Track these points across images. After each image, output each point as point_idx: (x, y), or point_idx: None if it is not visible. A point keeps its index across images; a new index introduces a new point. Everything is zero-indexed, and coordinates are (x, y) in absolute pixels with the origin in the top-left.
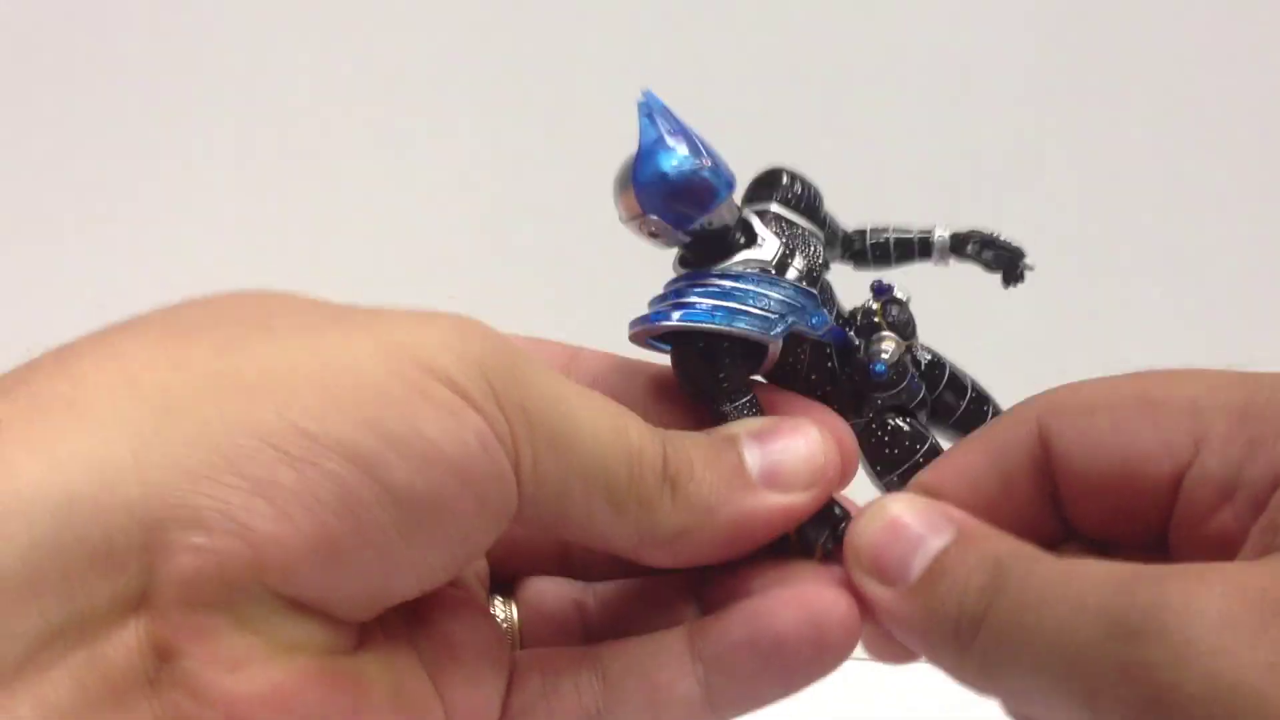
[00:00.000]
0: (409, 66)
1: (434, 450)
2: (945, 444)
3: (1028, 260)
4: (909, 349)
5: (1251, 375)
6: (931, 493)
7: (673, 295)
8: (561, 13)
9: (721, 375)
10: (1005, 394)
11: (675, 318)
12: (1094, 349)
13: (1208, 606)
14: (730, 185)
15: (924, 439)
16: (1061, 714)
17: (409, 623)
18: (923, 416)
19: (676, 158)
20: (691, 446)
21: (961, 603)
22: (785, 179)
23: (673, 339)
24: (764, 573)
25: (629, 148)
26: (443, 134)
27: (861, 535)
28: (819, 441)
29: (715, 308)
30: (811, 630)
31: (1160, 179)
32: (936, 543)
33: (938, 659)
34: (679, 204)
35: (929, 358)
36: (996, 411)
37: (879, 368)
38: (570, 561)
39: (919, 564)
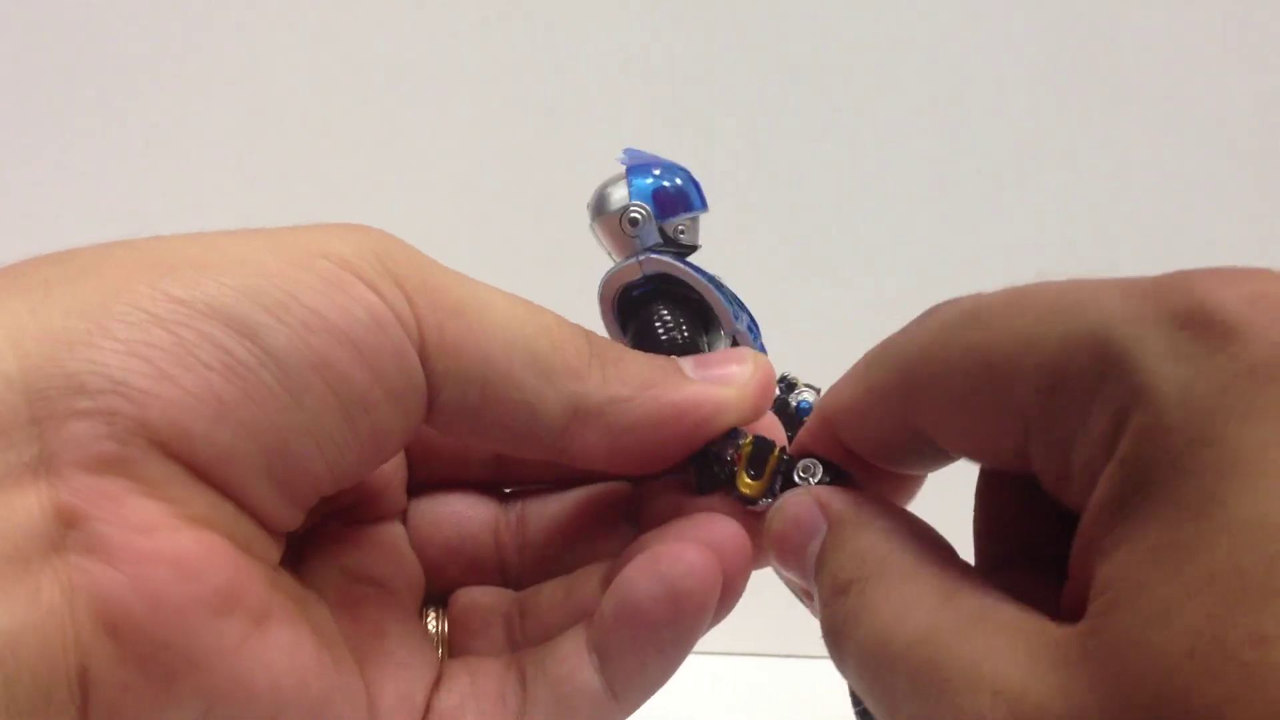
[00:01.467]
0: (408, 65)
1: (316, 318)
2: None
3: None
4: None
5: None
6: (827, 415)
7: (670, 255)
8: (561, 12)
9: (687, 335)
10: None
11: (678, 262)
12: None
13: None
14: (705, 205)
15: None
16: None
17: (341, 611)
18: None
19: (672, 168)
20: (618, 345)
21: (827, 598)
22: None
23: (633, 301)
24: (664, 532)
25: (628, 146)
26: (441, 133)
27: (769, 530)
28: (747, 354)
29: (705, 274)
30: (666, 596)
31: (1160, 179)
32: (816, 541)
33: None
34: (669, 197)
35: None
36: None
37: (804, 405)
38: (503, 473)
39: (810, 560)
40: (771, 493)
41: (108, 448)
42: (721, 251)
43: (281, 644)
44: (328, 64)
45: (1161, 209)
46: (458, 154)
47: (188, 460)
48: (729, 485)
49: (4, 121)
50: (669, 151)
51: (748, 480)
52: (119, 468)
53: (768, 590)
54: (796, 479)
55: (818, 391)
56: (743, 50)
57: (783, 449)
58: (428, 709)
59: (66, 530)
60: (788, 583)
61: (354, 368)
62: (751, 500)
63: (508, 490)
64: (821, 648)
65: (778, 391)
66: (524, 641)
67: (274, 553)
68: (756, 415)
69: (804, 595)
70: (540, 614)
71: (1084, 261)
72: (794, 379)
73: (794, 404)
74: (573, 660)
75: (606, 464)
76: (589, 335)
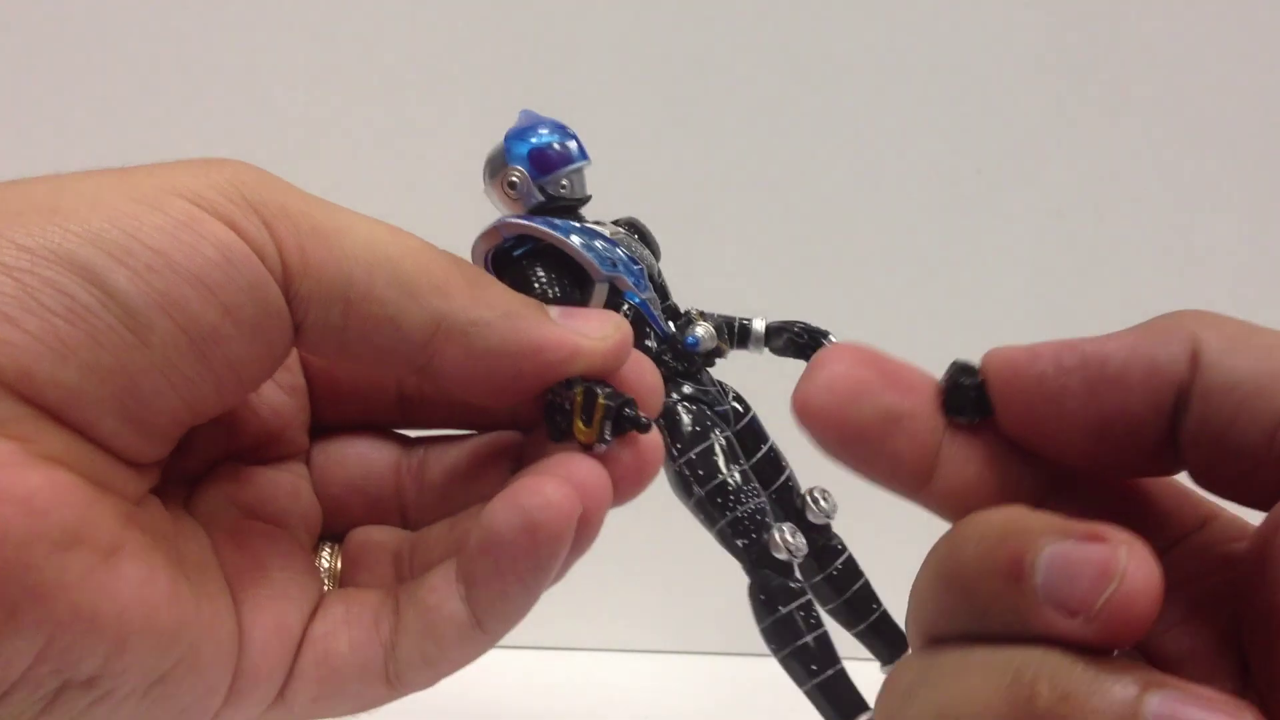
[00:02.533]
0: (407, 63)
1: (159, 259)
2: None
3: (830, 337)
4: (716, 351)
5: None
6: (1094, 359)
7: (532, 218)
8: (561, 11)
9: (558, 294)
10: None
11: (531, 221)
12: None
13: None
14: (585, 157)
15: (700, 441)
16: None
17: (229, 545)
18: (716, 428)
19: (547, 126)
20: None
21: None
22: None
23: (512, 261)
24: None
25: (628, 147)
26: (441, 132)
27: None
28: (612, 316)
29: (571, 231)
30: (524, 527)
31: (1160, 179)
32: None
33: None
34: (544, 156)
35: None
36: (791, 476)
37: (691, 340)
38: (407, 417)
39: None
40: (603, 438)
41: None
42: (722, 250)
43: (130, 577)
44: (327, 63)
45: (1161, 209)
46: (457, 153)
47: (36, 401)
48: (569, 432)
49: (4, 122)
50: (669, 151)
51: (581, 426)
52: None
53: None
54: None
55: (713, 325)
56: (743, 50)
57: (608, 393)
58: (304, 637)
59: None
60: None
61: (203, 306)
62: (588, 446)
63: (412, 437)
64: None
65: (675, 329)
66: (409, 576)
67: (137, 486)
68: (606, 371)
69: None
70: (425, 551)
71: (1084, 261)
72: (696, 314)
73: (683, 340)
74: (441, 590)
75: (461, 386)
76: (457, 259)
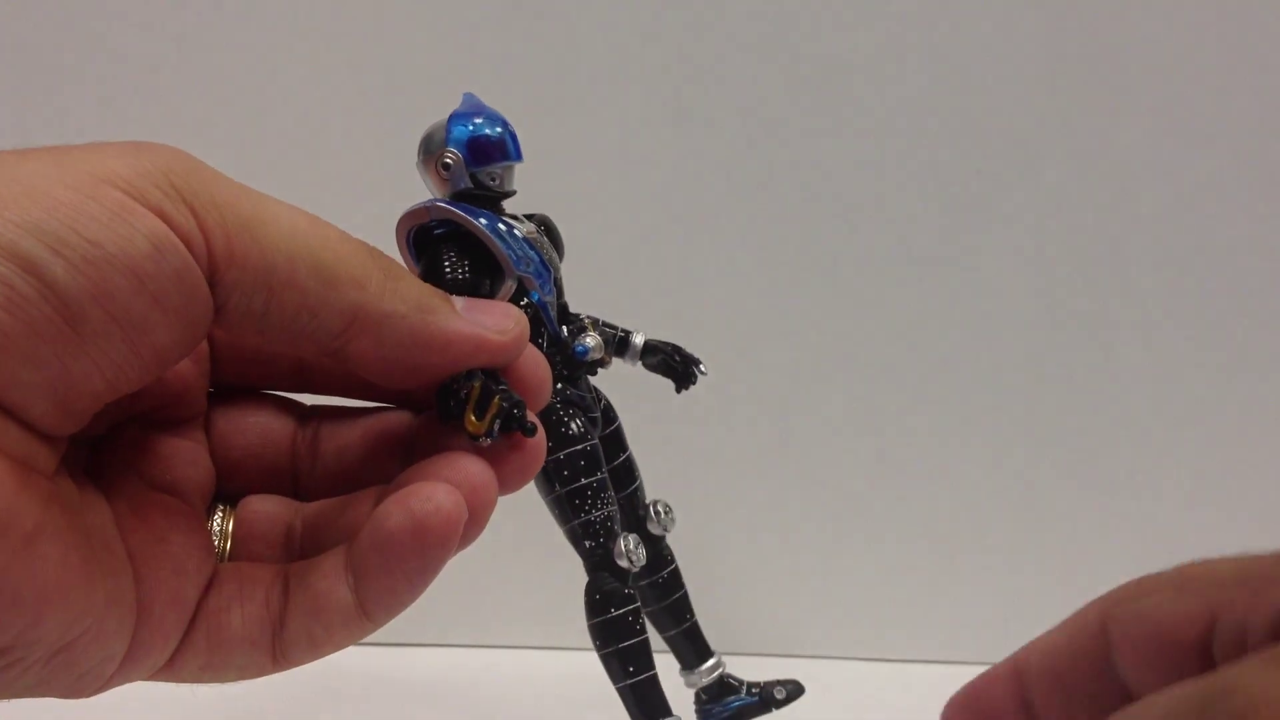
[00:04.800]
0: (406, 61)
1: (96, 250)
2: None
3: (701, 367)
4: (600, 361)
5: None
6: (1021, 667)
7: (460, 206)
8: (560, 10)
9: (467, 276)
10: (1013, 388)
11: (458, 210)
12: (1094, 347)
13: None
14: (519, 156)
15: (571, 444)
16: None
17: (129, 515)
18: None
19: (490, 118)
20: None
21: None
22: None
23: (433, 239)
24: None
25: (628, 146)
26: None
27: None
28: (513, 311)
29: (490, 225)
30: (414, 530)
31: (1160, 179)
32: None
33: None
34: (482, 146)
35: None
36: (640, 487)
37: (580, 349)
38: (304, 382)
39: None
40: (490, 434)
41: None
42: (721, 251)
43: (50, 557)
44: (327, 63)
45: (1161, 209)
46: None
47: None
48: (459, 421)
49: (4, 121)
50: (669, 150)
51: (473, 419)
52: None
53: (765, 590)
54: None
55: (603, 332)
56: (743, 49)
57: (504, 394)
58: (198, 609)
59: None
60: None
61: (133, 296)
62: (475, 438)
63: (309, 406)
64: (820, 648)
65: (568, 335)
66: (299, 554)
67: (52, 460)
68: (506, 363)
69: None
70: (317, 529)
71: (1084, 261)
72: (588, 321)
73: (573, 347)
74: (331, 578)
75: (369, 370)
76: (372, 250)
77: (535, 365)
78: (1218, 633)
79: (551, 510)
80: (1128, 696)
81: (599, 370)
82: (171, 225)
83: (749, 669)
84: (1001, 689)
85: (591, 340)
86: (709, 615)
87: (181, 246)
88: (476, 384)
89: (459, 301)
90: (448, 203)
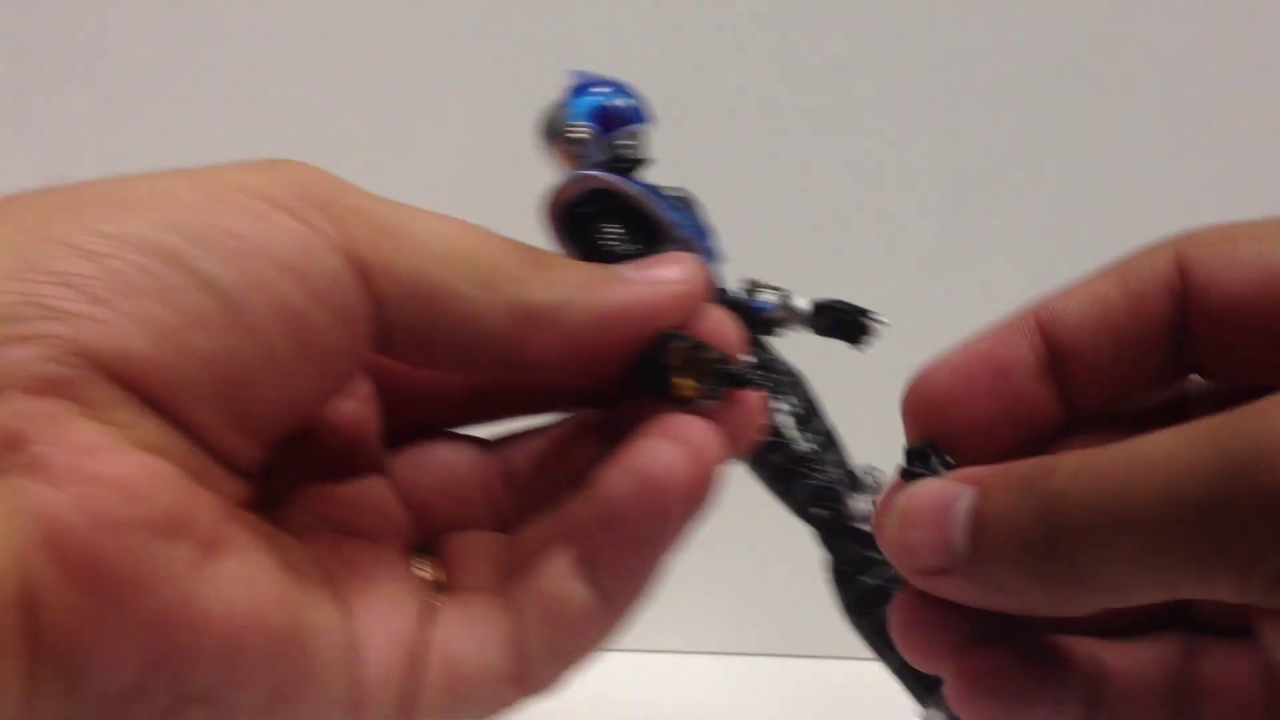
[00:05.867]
0: (405, 61)
1: (242, 242)
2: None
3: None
4: (778, 319)
5: None
6: (1057, 317)
7: (619, 174)
8: (560, 10)
9: (638, 246)
10: None
11: (607, 176)
12: None
13: None
14: (650, 119)
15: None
16: (1166, 586)
17: (328, 558)
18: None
19: (611, 85)
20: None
21: (1022, 536)
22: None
23: (579, 220)
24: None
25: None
26: (439, 130)
27: (891, 539)
28: (683, 257)
29: (644, 186)
30: (640, 489)
31: (1160, 179)
32: (962, 506)
33: (1015, 601)
34: (609, 114)
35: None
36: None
37: (761, 304)
38: (480, 412)
39: (959, 536)
40: (709, 394)
41: (49, 370)
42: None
43: (235, 574)
44: (327, 62)
45: (1161, 209)
46: (456, 152)
47: (134, 385)
48: (668, 390)
49: (3, 121)
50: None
51: (684, 382)
52: (61, 389)
53: (772, 591)
54: (919, 469)
55: (781, 293)
56: (743, 49)
57: (707, 349)
58: (421, 644)
59: (7, 452)
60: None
61: (290, 288)
62: (690, 401)
63: (489, 440)
64: (821, 648)
65: (743, 294)
66: (516, 575)
67: (235, 490)
68: (692, 313)
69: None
70: (529, 546)
71: (1084, 261)
72: (757, 282)
73: (750, 303)
74: (558, 575)
75: (557, 371)
76: (520, 244)
77: (722, 323)
78: None
79: (770, 488)
80: (1196, 366)
81: (775, 333)
82: (312, 228)
83: (749, 668)
84: (1024, 346)
85: (773, 296)
86: (709, 615)
87: (326, 248)
88: (677, 345)
89: (623, 268)
90: (597, 170)
